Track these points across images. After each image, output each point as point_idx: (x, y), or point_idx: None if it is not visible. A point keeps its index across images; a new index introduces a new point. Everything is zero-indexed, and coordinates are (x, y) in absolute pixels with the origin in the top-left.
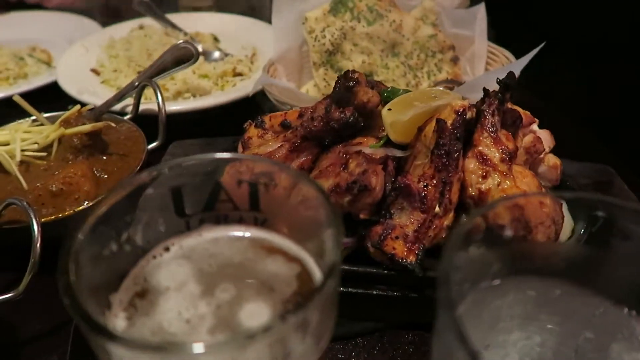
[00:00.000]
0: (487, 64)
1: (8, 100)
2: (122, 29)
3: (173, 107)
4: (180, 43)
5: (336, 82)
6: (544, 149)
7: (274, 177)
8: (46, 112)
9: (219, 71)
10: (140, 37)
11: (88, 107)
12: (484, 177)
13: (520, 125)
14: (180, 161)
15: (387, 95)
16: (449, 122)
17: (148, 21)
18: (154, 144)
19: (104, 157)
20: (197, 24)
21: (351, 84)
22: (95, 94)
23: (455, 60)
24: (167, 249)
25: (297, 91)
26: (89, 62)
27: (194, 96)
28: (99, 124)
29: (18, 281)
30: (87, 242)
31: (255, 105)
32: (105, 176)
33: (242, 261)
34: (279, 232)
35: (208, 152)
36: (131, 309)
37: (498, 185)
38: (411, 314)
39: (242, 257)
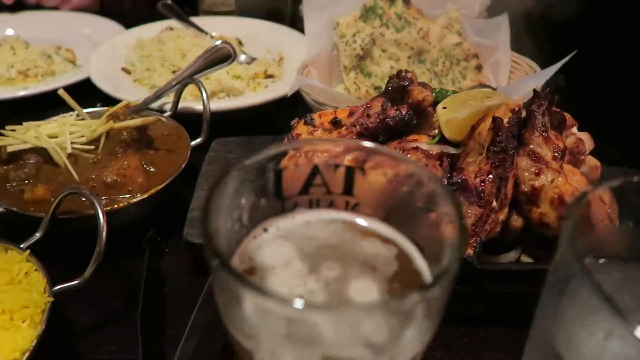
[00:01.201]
0: (510, 73)
1: (40, 96)
2: (148, 30)
3: (215, 105)
4: (220, 43)
5: (388, 82)
6: (586, 150)
7: (387, 164)
8: (69, 109)
9: (251, 73)
10: (173, 37)
11: (136, 102)
12: (537, 174)
13: (565, 127)
14: (286, 145)
15: (436, 95)
16: (505, 120)
17: (174, 23)
18: (197, 141)
19: (151, 152)
20: (219, 27)
21: (406, 82)
22: (129, 91)
23: (479, 68)
24: (265, 230)
25: (335, 92)
26: (118, 61)
27: (228, 96)
28: (150, 118)
29: (76, 271)
30: (215, 215)
31: (285, 106)
32: (153, 170)
33: (339, 242)
34: (371, 215)
35: (249, 149)
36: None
37: (551, 182)
38: (466, 307)
39: (338, 239)
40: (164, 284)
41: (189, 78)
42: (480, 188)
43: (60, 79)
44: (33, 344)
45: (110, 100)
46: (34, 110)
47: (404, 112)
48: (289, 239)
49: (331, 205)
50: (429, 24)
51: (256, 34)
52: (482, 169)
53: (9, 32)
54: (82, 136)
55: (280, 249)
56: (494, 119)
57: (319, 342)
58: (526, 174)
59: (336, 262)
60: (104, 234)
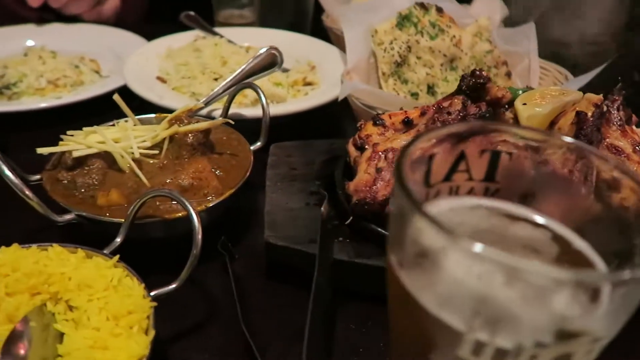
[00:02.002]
0: (540, 79)
1: (69, 106)
2: (176, 40)
3: (273, 110)
4: (268, 49)
5: (461, 81)
6: None
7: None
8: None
9: (291, 80)
10: (210, 45)
11: (198, 105)
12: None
13: (632, 122)
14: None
15: None
16: (590, 114)
17: (200, 33)
18: (256, 145)
19: (215, 156)
20: (243, 38)
21: (483, 81)
22: (172, 99)
23: (508, 75)
24: None
25: (389, 94)
26: (151, 71)
27: (272, 102)
28: (217, 121)
29: (164, 275)
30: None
31: (322, 112)
32: (222, 174)
33: (490, 227)
34: (513, 201)
35: (308, 153)
36: (417, 268)
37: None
38: None
39: (487, 224)
40: (244, 288)
41: (246, 83)
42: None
43: (91, 89)
44: (149, 350)
45: (141, 110)
46: (65, 121)
47: (484, 109)
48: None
49: (471, 192)
50: (461, 32)
51: (283, 45)
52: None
53: (30, 43)
54: (145, 141)
55: (418, 243)
56: (578, 112)
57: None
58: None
59: (497, 245)
60: (199, 236)
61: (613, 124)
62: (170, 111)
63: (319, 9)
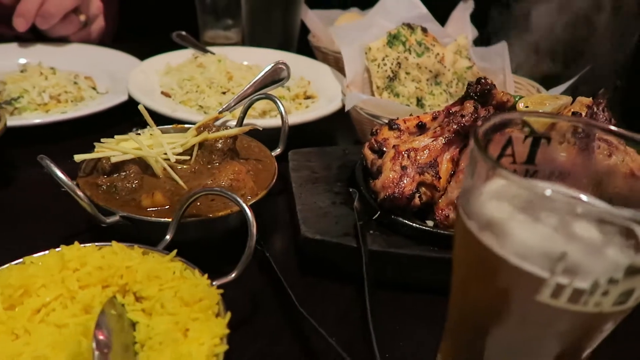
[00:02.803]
0: (514, 92)
1: (75, 121)
2: (172, 58)
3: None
4: (278, 63)
5: (468, 87)
6: None
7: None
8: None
9: (292, 94)
10: (214, 62)
11: (224, 114)
12: (609, 156)
13: (612, 123)
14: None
15: None
16: (584, 114)
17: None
18: (277, 151)
19: (243, 161)
20: (236, 56)
21: (489, 87)
22: (183, 112)
23: None
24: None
25: (395, 103)
26: (153, 86)
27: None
28: (245, 128)
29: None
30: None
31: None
32: (253, 176)
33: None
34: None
35: (324, 158)
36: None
37: (622, 160)
38: None
39: None
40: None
41: (262, 94)
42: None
43: (93, 104)
44: (228, 331)
45: (145, 125)
46: (69, 136)
47: (492, 112)
48: (500, 199)
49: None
50: (443, 50)
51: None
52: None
53: (22, 60)
54: (175, 147)
55: (499, 205)
56: (574, 112)
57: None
58: (600, 156)
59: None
60: (254, 229)
61: (601, 122)
62: (182, 122)
63: (305, 31)
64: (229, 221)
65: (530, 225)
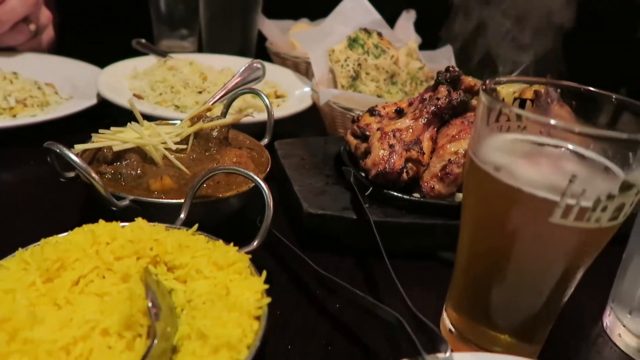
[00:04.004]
0: None
1: (42, 125)
2: (139, 62)
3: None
4: (253, 62)
5: (438, 75)
6: None
7: None
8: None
9: (265, 93)
10: (186, 64)
11: (215, 105)
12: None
13: None
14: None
15: None
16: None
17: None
18: (264, 141)
19: (239, 148)
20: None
21: (457, 74)
22: (163, 111)
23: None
24: None
25: (364, 96)
26: (123, 90)
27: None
28: (239, 116)
29: None
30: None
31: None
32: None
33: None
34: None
35: (308, 146)
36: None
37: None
38: None
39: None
40: (286, 257)
41: (246, 89)
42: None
43: (61, 109)
44: (267, 286)
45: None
46: (41, 139)
47: (462, 95)
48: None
49: (509, 129)
50: (397, 52)
51: (238, 67)
52: None
53: None
54: (177, 135)
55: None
56: (536, 91)
57: None
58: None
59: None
60: (270, 200)
61: (554, 99)
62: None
63: (260, 39)
64: (235, 202)
65: (540, 159)
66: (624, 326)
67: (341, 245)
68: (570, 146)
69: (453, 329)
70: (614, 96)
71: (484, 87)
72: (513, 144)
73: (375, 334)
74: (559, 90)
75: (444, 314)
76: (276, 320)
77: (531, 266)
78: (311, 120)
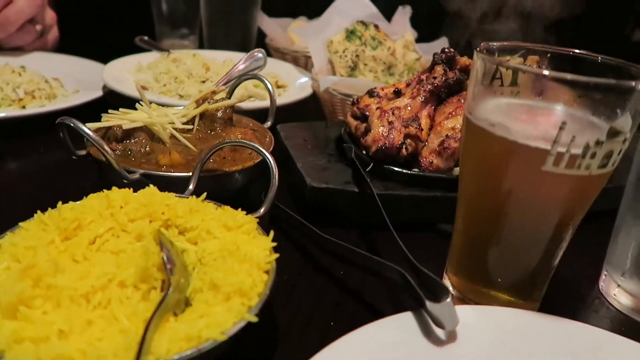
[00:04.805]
0: None
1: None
2: (143, 58)
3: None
4: (255, 51)
5: (434, 56)
6: None
7: None
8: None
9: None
10: (189, 56)
11: (220, 89)
12: None
13: None
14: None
15: None
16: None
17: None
18: (267, 124)
19: (241, 128)
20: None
21: (452, 54)
22: (168, 100)
23: None
24: None
25: (363, 81)
26: (128, 82)
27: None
28: (243, 97)
29: None
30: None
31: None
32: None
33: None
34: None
35: (310, 129)
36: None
37: None
38: None
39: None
40: (290, 228)
41: (250, 75)
42: None
43: (68, 101)
44: (275, 243)
45: None
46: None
47: (458, 74)
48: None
49: (502, 94)
50: (394, 44)
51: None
52: None
53: None
54: (183, 116)
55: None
56: None
57: None
58: None
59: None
60: (276, 169)
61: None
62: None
63: (260, 36)
64: (240, 177)
65: (532, 116)
66: (618, 286)
67: (344, 220)
68: (561, 105)
69: (454, 291)
70: (599, 57)
71: (478, 49)
72: (507, 106)
73: (380, 293)
74: (549, 54)
75: (445, 278)
76: (283, 284)
77: (526, 219)
78: (312, 109)
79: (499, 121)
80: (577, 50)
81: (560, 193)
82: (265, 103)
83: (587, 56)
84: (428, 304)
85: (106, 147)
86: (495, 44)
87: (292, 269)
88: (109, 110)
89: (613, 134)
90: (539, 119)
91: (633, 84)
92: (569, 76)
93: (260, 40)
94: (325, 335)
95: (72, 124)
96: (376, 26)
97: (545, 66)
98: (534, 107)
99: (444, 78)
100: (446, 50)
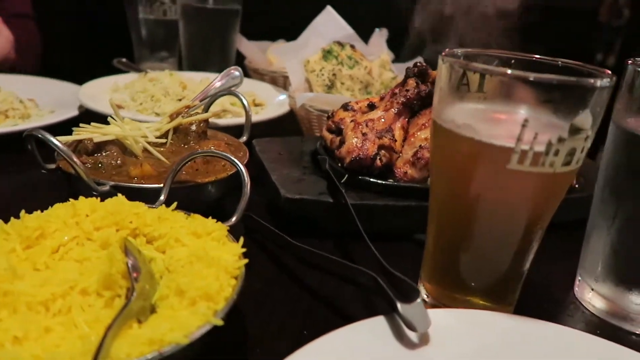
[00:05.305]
0: None
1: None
2: (119, 78)
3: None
4: (232, 68)
5: (407, 70)
6: None
7: None
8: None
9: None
10: (166, 75)
11: (194, 103)
12: None
13: None
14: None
15: None
16: None
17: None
18: (242, 139)
19: (217, 142)
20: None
21: (424, 68)
22: (145, 117)
23: None
24: None
25: (338, 96)
26: (104, 102)
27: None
28: (217, 111)
29: None
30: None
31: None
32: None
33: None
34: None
35: (286, 144)
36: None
37: None
38: None
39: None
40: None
41: (226, 91)
42: None
43: (42, 120)
44: (245, 249)
45: None
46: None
47: (431, 87)
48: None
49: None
50: (370, 64)
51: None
52: None
53: None
54: (157, 130)
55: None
56: None
57: None
58: None
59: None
60: (247, 178)
61: None
62: None
63: (240, 57)
64: (213, 189)
65: (497, 117)
66: (592, 290)
67: (320, 231)
68: (525, 106)
69: (428, 299)
70: (559, 61)
71: (442, 55)
72: (474, 109)
73: (355, 300)
74: (513, 60)
75: (420, 286)
76: (256, 293)
77: (495, 220)
78: (289, 126)
79: (465, 122)
80: (537, 56)
81: (527, 191)
82: (241, 119)
83: (549, 61)
84: (399, 305)
85: (75, 159)
86: (459, 50)
87: (265, 278)
88: (80, 124)
89: (574, 131)
90: (504, 119)
91: (592, 81)
92: (532, 76)
93: (239, 63)
94: (298, 342)
95: (40, 135)
96: (352, 46)
97: None
98: (499, 109)
99: (416, 90)
100: (418, 64)
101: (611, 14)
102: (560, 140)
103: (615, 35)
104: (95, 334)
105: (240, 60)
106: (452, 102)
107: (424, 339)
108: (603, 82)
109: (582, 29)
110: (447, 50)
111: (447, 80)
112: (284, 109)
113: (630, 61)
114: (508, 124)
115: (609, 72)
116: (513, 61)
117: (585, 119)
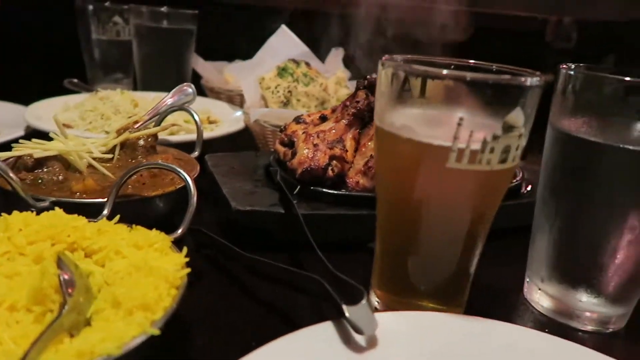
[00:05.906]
0: None
1: None
2: (69, 99)
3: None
4: (184, 85)
5: (358, 83)
6: None
7: None
8: None
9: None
10: (117, 94)
11: (143, 118)
12: None
13: None
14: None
15: None
16: None
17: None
18: (194, 154)
19: (165, 156)
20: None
21: (373, 80)
22: (92, 134)
23: None
24: None
25: (290, 111)
26: (51, 122)
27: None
28: (167, 125)
29: None
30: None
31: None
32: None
33: None
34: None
35: (239, 159)
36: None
37: None
38: None
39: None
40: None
41: (178, 107)
42: None
43: None
44: (187, 259)
45: None
46: None
47: None
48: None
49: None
50: (326, 81)
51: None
52: None
53: None
54: (103, 145)
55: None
56: None
57: None
58: None
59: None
60: (194, 190)
61: None
62: None
63: (196, 77)
64: (161, 203)
65: (436, 118)
66: (539, 290)
67: (273, 243)
68: (462, 107)
69: (379, 305)
70: (494, 66)
71: (381, 62)
72: (414, 112)
73: (305, 310)
74: (452, 66)
75: (371, 294)
76: (205, 306)
77: (438, 220)
78: (244, 142)
79: (405, 124)
80: (473, 61)
81: (466, 189)
82: (194, 136)
83: (484, 65)
84: (345, 308)
85: (11, 174)
86: (398, 56)
87: (215, 291)
88: (20, 140)
89: (507, 128)
90: (442, 120)
91: (523, 79)
92: (468, 76)
93: (196, 82)
94: (245, 353)
95: None
96: (307, 64)
97: None
98: (439, 111)
99: (366, 102)
100: (368, 77)
101: (557, 36)
102: (495, 137)
103: (562, 57)
104: (22, 350)
105: (196, 80)
106: (394, 107)
107: (372, 343)
108: (533, 80)
109: (527, 50)
110: (386, 56)
111: (389, 85)
112: (239, 125)
113: (564, 66)
114: (446, 124)
115: (539, 72)
116: (452, 66)
117: (517, 117)
